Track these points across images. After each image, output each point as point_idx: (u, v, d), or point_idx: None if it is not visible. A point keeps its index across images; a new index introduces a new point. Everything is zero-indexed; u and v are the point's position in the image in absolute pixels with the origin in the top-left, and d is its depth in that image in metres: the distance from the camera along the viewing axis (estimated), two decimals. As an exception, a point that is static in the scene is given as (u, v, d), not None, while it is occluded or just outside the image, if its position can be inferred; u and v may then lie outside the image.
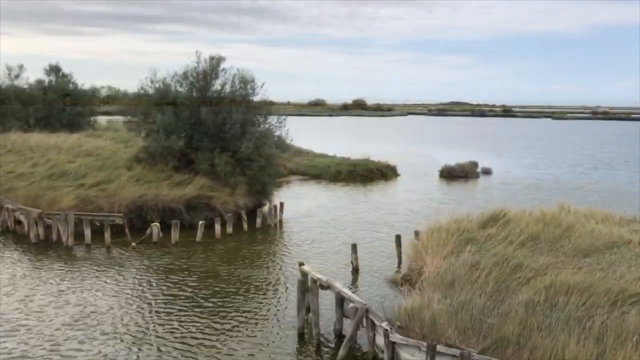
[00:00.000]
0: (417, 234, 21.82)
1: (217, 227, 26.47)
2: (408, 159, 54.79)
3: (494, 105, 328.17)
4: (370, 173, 47.61)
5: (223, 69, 33.02)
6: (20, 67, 60.63)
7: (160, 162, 31.01)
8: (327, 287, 16.34)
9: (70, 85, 63.91)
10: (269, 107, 34.92)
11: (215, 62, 32.63)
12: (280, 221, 30.21)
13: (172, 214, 28.24)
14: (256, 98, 33.72)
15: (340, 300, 15.61)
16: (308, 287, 16.31)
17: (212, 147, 30.95)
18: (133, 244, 24.75)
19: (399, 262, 22.90)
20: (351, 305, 14.86)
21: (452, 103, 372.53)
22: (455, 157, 58.52)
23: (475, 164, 51.80)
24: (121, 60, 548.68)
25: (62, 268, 21.86)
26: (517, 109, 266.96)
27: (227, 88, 33.12)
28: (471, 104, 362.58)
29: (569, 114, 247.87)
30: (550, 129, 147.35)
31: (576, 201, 29.71)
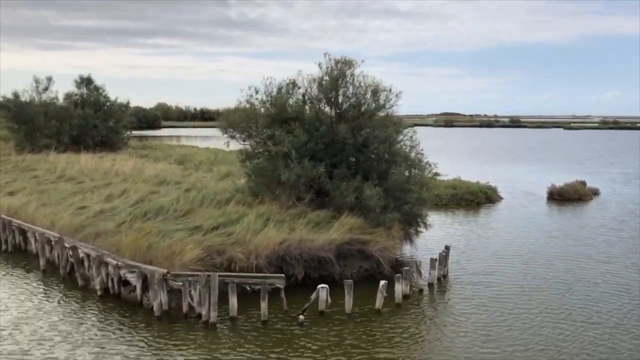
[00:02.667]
0: None
1: (399, 287, 19.42)
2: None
3: (485, 115, 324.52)
4: (476, 196, 40.82)
5: (351, 76, 26.18)
6: (49, 79, 53.21)
7: (285, 194, 23.99)
8: None
9: (102, 99, 56.96)
10: (401, 122, 27.98)
11: (345, 67, 25.74)
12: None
13: (320, 266, 21.31)
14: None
15: None
16: None
17: (351, 174, 24.05)
18: (301, 316, 17.65)
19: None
20: None
21: (444, 114, 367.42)
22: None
23: (584, 184, 45.24)
24: (113, 74, 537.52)
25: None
26: (524, 120, 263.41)
27: (354, 99, 26.29)
28: (464, 115, 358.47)
29: (573, 124, 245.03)
30: (574, 139, 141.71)
31: None
